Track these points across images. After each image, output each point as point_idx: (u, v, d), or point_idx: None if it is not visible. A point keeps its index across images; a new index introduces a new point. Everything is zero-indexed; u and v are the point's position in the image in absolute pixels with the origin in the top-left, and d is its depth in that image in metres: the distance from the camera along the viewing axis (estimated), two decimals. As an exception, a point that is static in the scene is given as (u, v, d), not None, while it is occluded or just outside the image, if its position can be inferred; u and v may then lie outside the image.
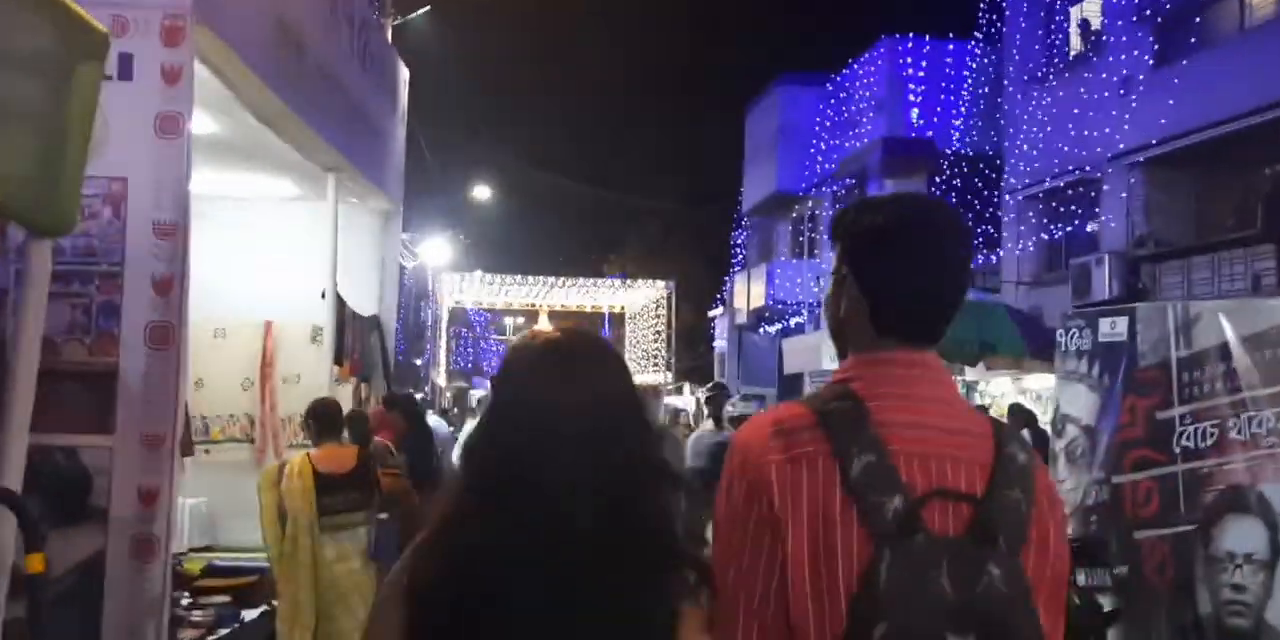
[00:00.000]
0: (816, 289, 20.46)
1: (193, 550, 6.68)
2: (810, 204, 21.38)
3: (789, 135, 21.27)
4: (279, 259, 7.62)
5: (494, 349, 62.47)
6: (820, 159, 20.42)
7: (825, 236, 20.76)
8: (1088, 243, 13.91)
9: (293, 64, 5.22)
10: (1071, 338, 8.11)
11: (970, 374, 14.51)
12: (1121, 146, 12.99)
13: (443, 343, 31.26)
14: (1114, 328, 7.58)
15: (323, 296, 6.80)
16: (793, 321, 21.24)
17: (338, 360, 7.18)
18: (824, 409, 1.46)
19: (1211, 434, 6.64)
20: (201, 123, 5.21)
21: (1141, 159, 12.74)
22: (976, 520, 1.40)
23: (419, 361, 32.41)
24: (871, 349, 1.53)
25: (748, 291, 22.23)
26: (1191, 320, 6.87)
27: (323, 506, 5.08)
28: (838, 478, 1.40)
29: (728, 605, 1.43)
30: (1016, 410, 10.90)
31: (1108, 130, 13.32)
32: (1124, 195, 13.00)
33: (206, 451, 7.74)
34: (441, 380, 29.89)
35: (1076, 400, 8.04)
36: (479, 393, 35.63)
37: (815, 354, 16.99)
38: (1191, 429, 6.76)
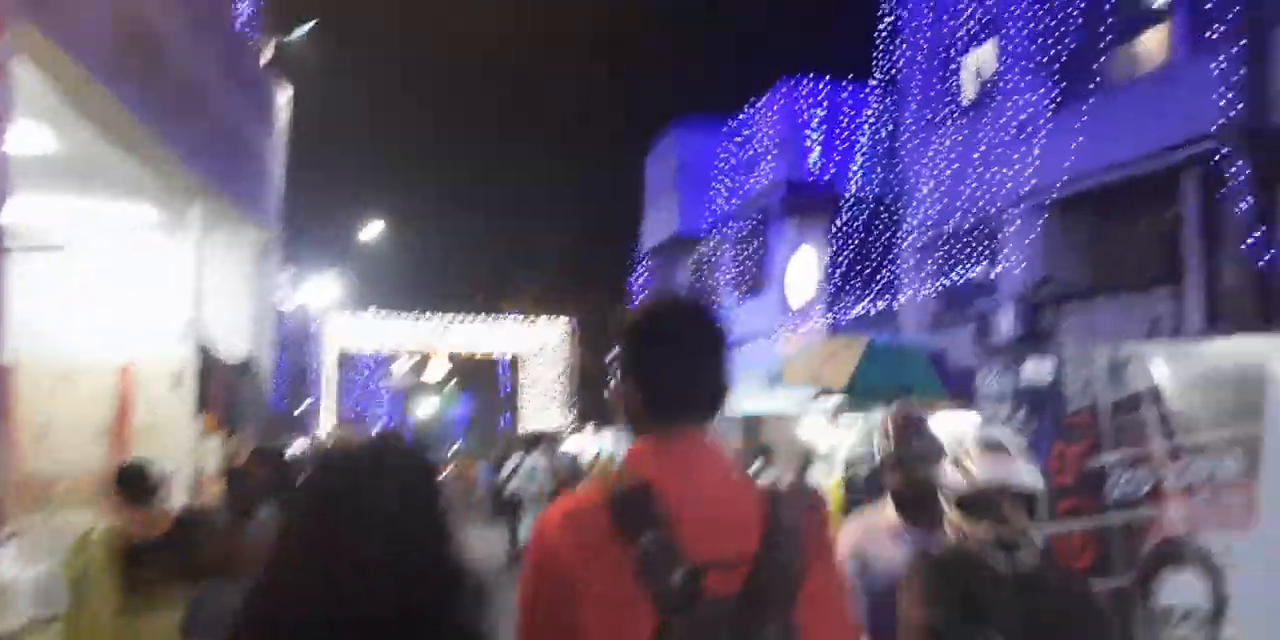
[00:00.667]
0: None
1: (36, 622, 5.89)
2: (712, 245, 21.18)
3: (688, 176, 21.09)
4: (138, 295, 6.90)
5: (383, 395, 60.93)
6: (720, 201, 20.25)
7: (728, 276, 20.54)
8: (989, 286, 13.89)
9: (146, 73, 4.60)
10: (992, 380, 7.86)
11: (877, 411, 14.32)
12: (1021, 190, 13.04)
13: (328, 389, 30.05)
14: (1038, 370, 7.32)
15: (185, 336, 6.10)
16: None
17: (202, 408, 6.46)
18: (612, 492, 1.60)
19: (1147, 481, 6.40)
20: (37, 137, 4.54)
21: (1041, 203, 12.79)
22: (750, 583, 1.56)
23: (298, 410, 31.14)
24: (653, 432, 1.70)
25: (647, 334, 21.84)
26: (1121, 363, 6.64)
27: (129, 581, 4.43)
28: (625, 556, 1.53)
29: None
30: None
31: (1007, 173, 13.37)
32: (1026, 238, 13.02)
33: (51, 512, 6.93)
34: (326, 430, 28.63)
35: (998, 446, 7.78)
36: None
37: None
38: (1125, 477, 6.51)
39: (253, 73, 6.62)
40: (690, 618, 1.50)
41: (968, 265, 14.40)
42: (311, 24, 9.24)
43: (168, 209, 6.33)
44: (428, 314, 29.54)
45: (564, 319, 30.64)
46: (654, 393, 1.73)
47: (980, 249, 14.24)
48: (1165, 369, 6.21)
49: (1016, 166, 13.23)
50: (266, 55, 8.14)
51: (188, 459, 6.86)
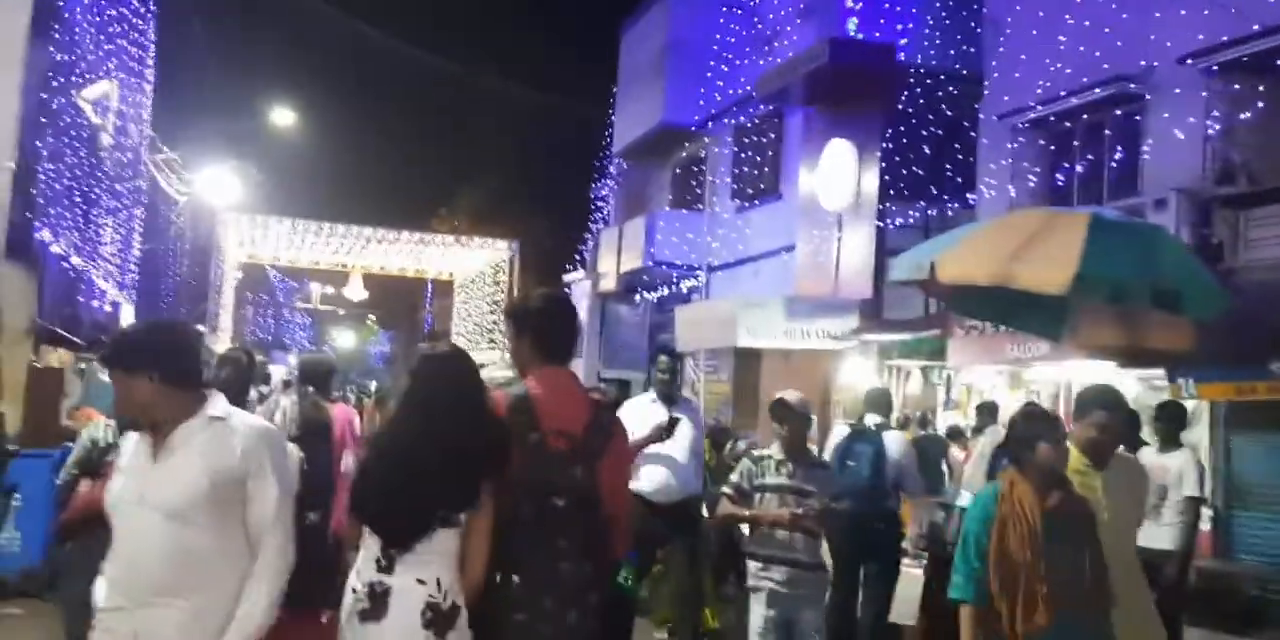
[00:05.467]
0: (716, 244, 16.25)
1: None
2: (706, 141, 17.15)
3: (680, 55, 16.99)
4: None
5: (298, 320, 56.05)
6: (722, 83, 16.23)
7: (725, 180, 16.57)
8: (1123, 180, 10.22)
9: None
10: None
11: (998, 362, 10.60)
12: (1184, 47, 9.33)
13: (228, 303, 25.53)
14: None
15: None
16: (684, 285, 16.94)
17: None
18: (509, 395, 3.14)
19: None
20: None
21: (1214, 63, 9.10)
22: (574, 445, 3.09)
23: (202, 328, 26.81)
24: (537, 367, 3.23)
25: (618, 251, 17.83)
26: None
27: None
28: (511, 424, 3.07)
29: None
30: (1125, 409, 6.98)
31: (1158, 27, 9.65)
32: (1191, 114, 9.33)
33: None
34: (222, 349, 24.30)
35: None
36: (281, 369, 29.60)
37: (727, 328, 12.81)
38: None
39: None
40: (537, 458, 3.04)
41: (1092, 152, 10.70)
42: None
43: None
44: (347, 227, 25.06)
45: (504, 243, 26.38)
46: (542, 347, 3.25)
47: (1112, 131, 10.53)
48: None
49: (1173, 17, 9.51)
50: None
51: None
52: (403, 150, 38.35)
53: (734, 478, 4.90)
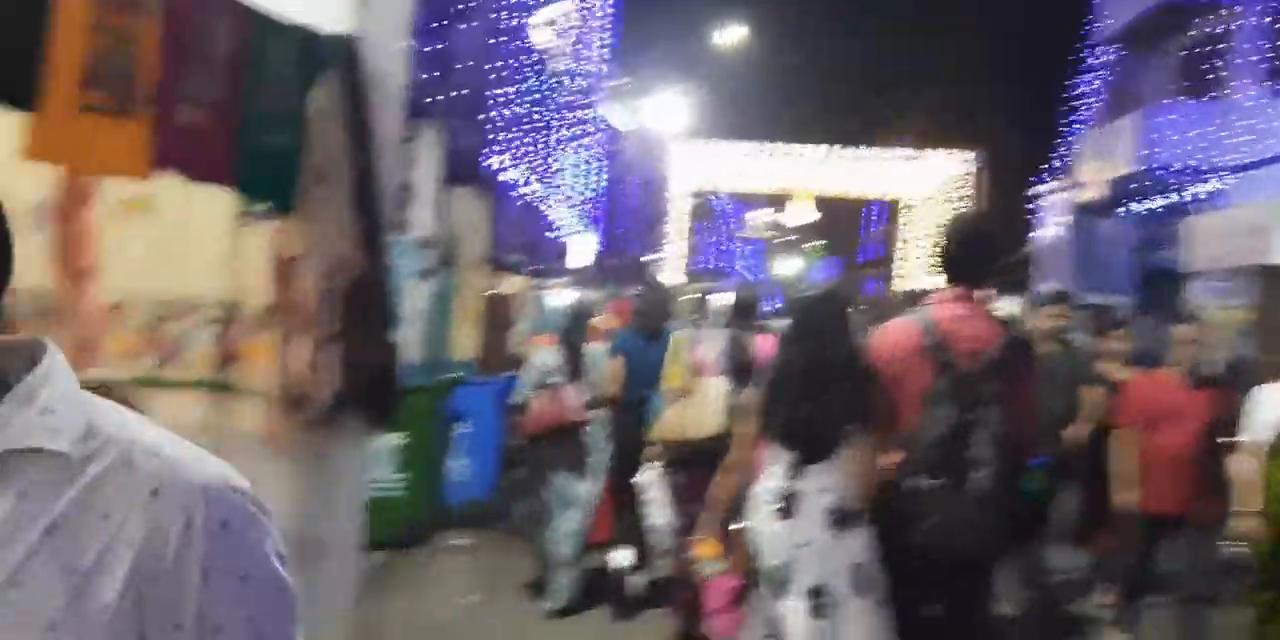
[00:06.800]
0: (1235, 141, 13.24)
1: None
2: (1225, 14, 13.97)
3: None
4: None
5: (739, 249, 56.80)
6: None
7: (1251, 59, 13.38)
8: None
9: None
10: None
11: None
12: None
13: (678, 231, 25.75)
14: None
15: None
16: (1188, 192, 14.08)
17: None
18: (915, 317, 3.49)
19: None
20: None
21: None
22: (983, 364, 3.31)
23: (654, 257, 27.48)
24: (947, 288, 3.50)
25: (1104, 156, 15.22)
26: None
27: None
28: (921, 347, 3.36)
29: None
30: None
31: None
32: None
33: None
34: (669, 280, 24.63)
35: None
36: (720, 299, 29.95)
37: (1256, 241, 10.22)
38: None
39: None
40: (949, 376, 3.27)
41: None
42: None
43: None
44: (791, 147, 24.22)
45: (964, 153, 24.34)
46: (945, 269, 3.53)
47: None
48: None
49: None
50: None
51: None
52: (853, 57, 35.89)
53: None
